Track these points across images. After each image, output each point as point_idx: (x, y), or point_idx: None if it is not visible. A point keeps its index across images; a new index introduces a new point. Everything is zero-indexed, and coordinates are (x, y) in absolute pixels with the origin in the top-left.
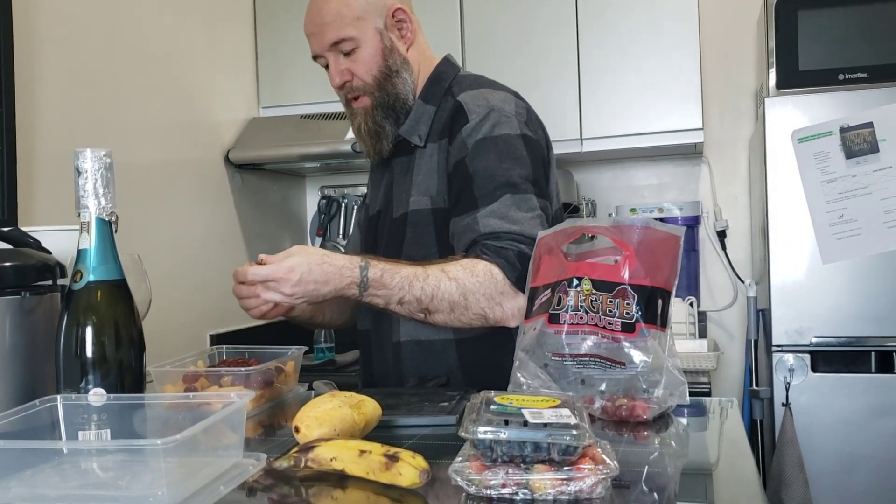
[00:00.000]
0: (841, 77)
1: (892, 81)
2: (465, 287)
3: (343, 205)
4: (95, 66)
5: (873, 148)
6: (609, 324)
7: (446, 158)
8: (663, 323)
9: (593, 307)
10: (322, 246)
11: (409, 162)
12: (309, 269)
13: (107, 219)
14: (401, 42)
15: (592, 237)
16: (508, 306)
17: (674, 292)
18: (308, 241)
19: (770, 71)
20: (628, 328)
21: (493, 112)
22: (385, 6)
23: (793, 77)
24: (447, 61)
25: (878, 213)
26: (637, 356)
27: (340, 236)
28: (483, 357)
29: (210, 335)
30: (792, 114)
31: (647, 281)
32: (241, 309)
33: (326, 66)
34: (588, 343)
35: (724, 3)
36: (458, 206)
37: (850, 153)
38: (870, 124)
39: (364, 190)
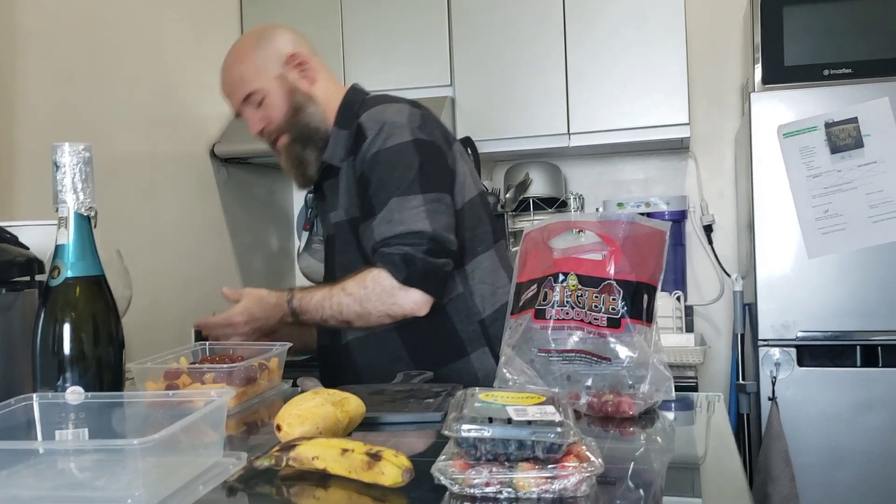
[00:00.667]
0: (826, 72)
1: (877, 77)
2: (359, 297)
3: None
4: (78, 58)
5: (858, 143)
6: (595, 319)
7: (354, 174)
8: (649, 318)
9: (579, 302)
10: (308, 240)
11: (334, 183)
12: (252, 311)
13: (85, 214)
14: (303, 81)
15: (580, 232)
16: (406, 302)
17: (659, 287)
18: (295, 235)
19: (756, 66)
20: (614, 323)
21: (385, 126)
22: (280, 55)
23: (778, 72)
24: (354, 89)
25: (863, 207)
26: (623, 352)
27: None
28: (425, 337)
29: (195, 330)
30: (777, 109)
31: (632, 276)
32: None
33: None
34: (574, 339)
35: None
36: (364, 216)
37: (835, 148)
38: (854, 119)
39: None
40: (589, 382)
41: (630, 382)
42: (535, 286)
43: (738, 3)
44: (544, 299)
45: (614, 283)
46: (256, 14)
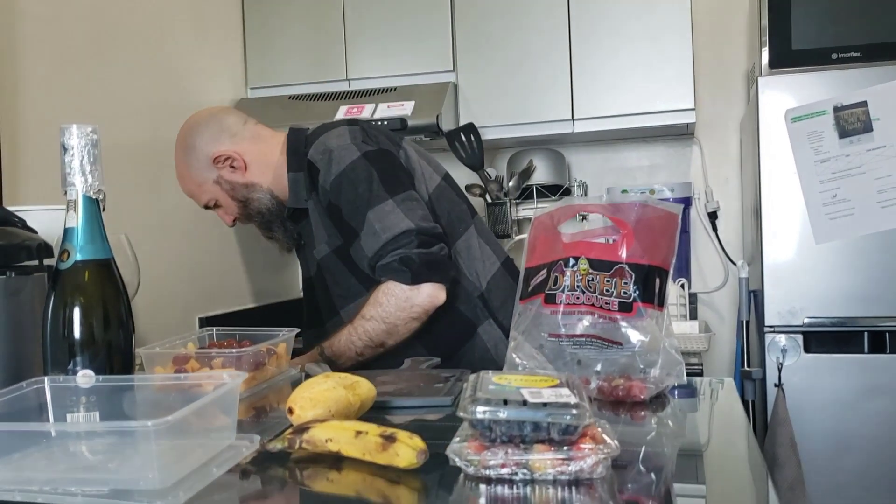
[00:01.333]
0: (834, 56)
1: (886, 60)
2: (381, 317)
3: None
4: (80, 44)
5: (867, 127)
6: (606, 303)
7: (321, 207)
8: (661, 302)
9: (590, 287)
10: None
11: (307, 224)
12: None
13: (94, 197)
14: (236, 174)
15: (584, 217)
16: (422, 299)
17: (671, 271)
18: None
19: (763, 50)
20: (625, 308)
21: (332, 152)
22: (207, 160)
23: (786, 56)
24: (292, 131)
25: (871, 192)
26: (634, 336)
27: None
28: (434, 326)
29: (199, 318)
30: (785, 93)
31: (644, 260)
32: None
33: None
34: (584, 323)
35: None
36: (348, 239)
37: (843, 132)
38: (864, 103)
39: None
40: (599, 367)
41: (641, 367)
42: (545, 271)
43: None
44: (555, 284)
45: (626, 267)
46: (258, 1)
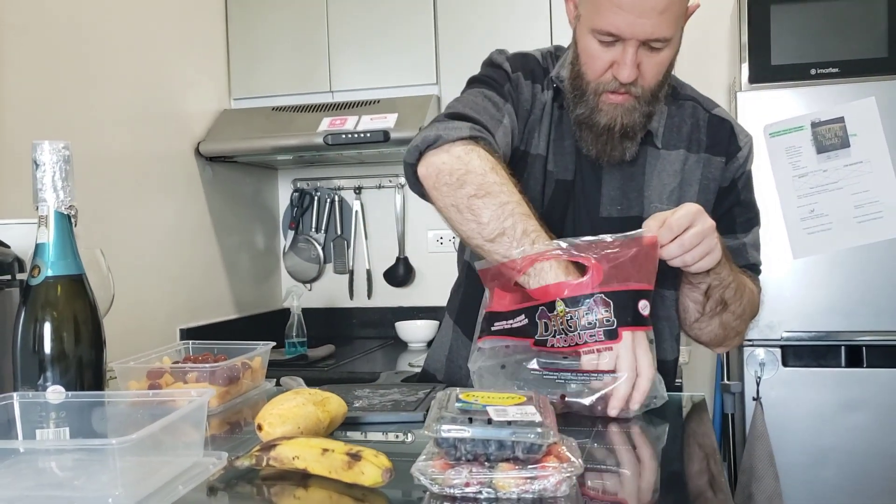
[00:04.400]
0: (813, 72)
1: (864, 76)
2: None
3: (316, 198)
4: (61, 54)
5: (844, 143)
6: (591, 337)
7: (715, 174)
8: (647, 322)
9: (570, 326)
10: (294, 239)
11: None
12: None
13: (65, 212)
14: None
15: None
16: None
17: (652, 287)
18: (280, 234)
19: (743, 65)
20: (612, 335)
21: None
22: (687, 4)
23: (765, 71)
24: None
25: (848, 207)
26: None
27: (313, 229)
28: None
29: (181, 329)
30: (764, 108)
31: (619, 286)
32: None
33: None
34: (574, 360)
35: None
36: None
37: (821, 148)
38: (841, 119)
39: (338, 183)
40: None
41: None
42: (524, 316)
43: (726, 2)
44: (546, 330)
45: (603, 296)
46: (242, 12)
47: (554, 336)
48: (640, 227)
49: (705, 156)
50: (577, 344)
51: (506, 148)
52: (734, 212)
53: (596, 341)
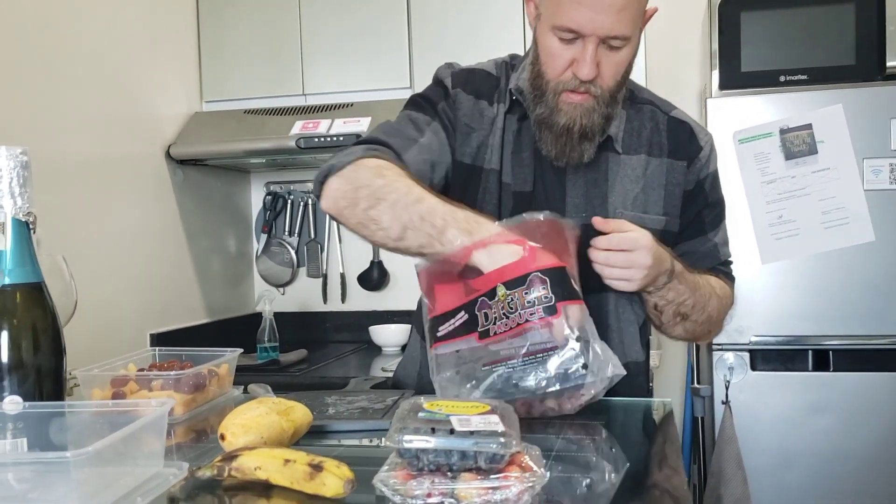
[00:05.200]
0: (782, 78)
1: (831, 83)
2: (724, 308)
3: (289, 201)
4: (26, 56)
5: (812, 149)
6: (532, 315)
7: (678, 178)
8: (578, 296)
9: (511, 307)
10: (267, 243)
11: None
12: (654, 248)
13: (24, 219)
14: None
15: None
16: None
17: (576, 273)
18: (253, 238)
19: (713, 72)
20: (551, 311)
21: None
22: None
23: (735, 78)
24: None
25: (815, 213)
26: (566, 333)
27: (286, 233)
28: None
29: (151, 334)
30: (734, 114)
31: (553, 263)
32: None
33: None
34: (517, 344)
35: (669, 2)
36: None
37: (789, 154)
38: (809, 126)
39: (311, 186)
40: (533, 383)
41: (581, 369)
42: (464, 312)
43: (697, 9)
44: (486, 319)
45: (540, 274)
46: (212, 13)
47: (495, 323)
48: (604, 233)
49: (667, 161)
50: (518, 325)
51: (422, 165)
52: (703, 213)
53: (538, 319)
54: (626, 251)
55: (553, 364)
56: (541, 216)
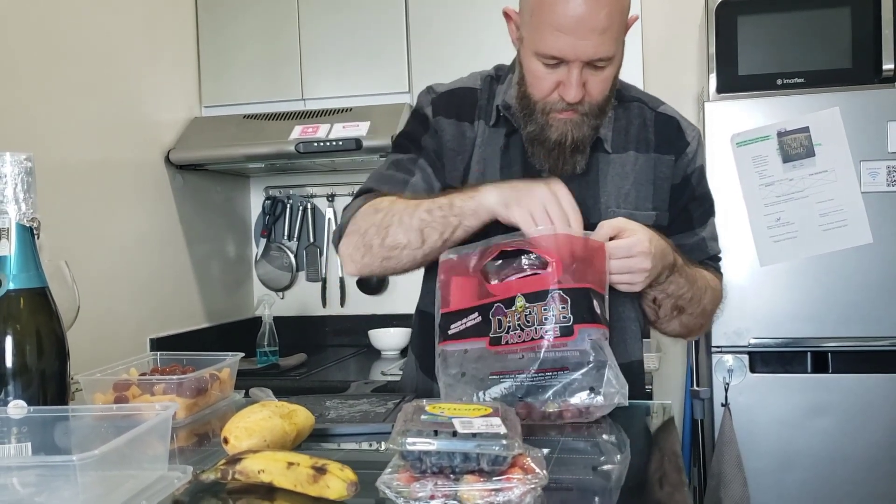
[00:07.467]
0: (779, 82)
1: (828, 86)
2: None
3: (288, 205)
4: (26, 61)
5: (809, 152)
6: (547, 332)
7: (667, 171)
8: (602, 321)
9: (528, 321)
10: (266, 247)
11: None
12: (655, 243)
13: (28, 225)
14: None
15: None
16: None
17: (606, 295)
18: (252, 242)
19: (710, 75)
20: (567, 332)
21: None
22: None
23: (732, 81)
24: None
25: (813, 215)
26: (579, 357)
27: (286, 237)
28: None
29: (151, 339)
30: (731, 117)
31: (577, 284)
32: None
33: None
34: (529, 357)
35: (666, 6)
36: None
37: (787, 157)
38: (806, 129)
39: (310, 190)
40: (546, 395)
41: (587, 389)
42: (477, 314)
43: (694, 13)
44: (499, 327)
45: (561, 293)
46: (212, 19)
47: (508, 332)
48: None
49: (654, 155)
50: (532, 339)
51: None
52: (690, 207)
53: (553, 337)
54: (623, 258)
55: (562, 386)
56: (580, 232)
